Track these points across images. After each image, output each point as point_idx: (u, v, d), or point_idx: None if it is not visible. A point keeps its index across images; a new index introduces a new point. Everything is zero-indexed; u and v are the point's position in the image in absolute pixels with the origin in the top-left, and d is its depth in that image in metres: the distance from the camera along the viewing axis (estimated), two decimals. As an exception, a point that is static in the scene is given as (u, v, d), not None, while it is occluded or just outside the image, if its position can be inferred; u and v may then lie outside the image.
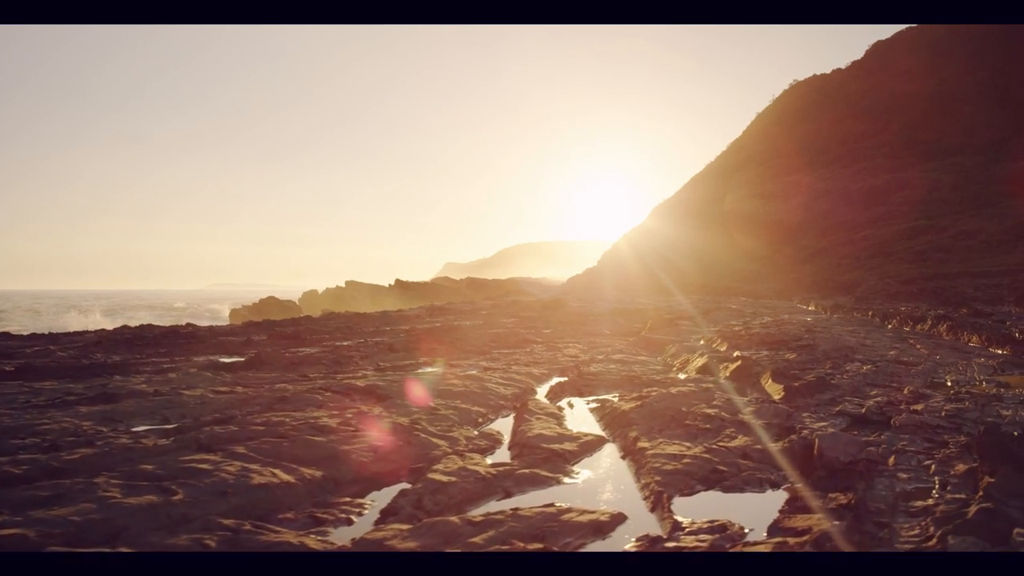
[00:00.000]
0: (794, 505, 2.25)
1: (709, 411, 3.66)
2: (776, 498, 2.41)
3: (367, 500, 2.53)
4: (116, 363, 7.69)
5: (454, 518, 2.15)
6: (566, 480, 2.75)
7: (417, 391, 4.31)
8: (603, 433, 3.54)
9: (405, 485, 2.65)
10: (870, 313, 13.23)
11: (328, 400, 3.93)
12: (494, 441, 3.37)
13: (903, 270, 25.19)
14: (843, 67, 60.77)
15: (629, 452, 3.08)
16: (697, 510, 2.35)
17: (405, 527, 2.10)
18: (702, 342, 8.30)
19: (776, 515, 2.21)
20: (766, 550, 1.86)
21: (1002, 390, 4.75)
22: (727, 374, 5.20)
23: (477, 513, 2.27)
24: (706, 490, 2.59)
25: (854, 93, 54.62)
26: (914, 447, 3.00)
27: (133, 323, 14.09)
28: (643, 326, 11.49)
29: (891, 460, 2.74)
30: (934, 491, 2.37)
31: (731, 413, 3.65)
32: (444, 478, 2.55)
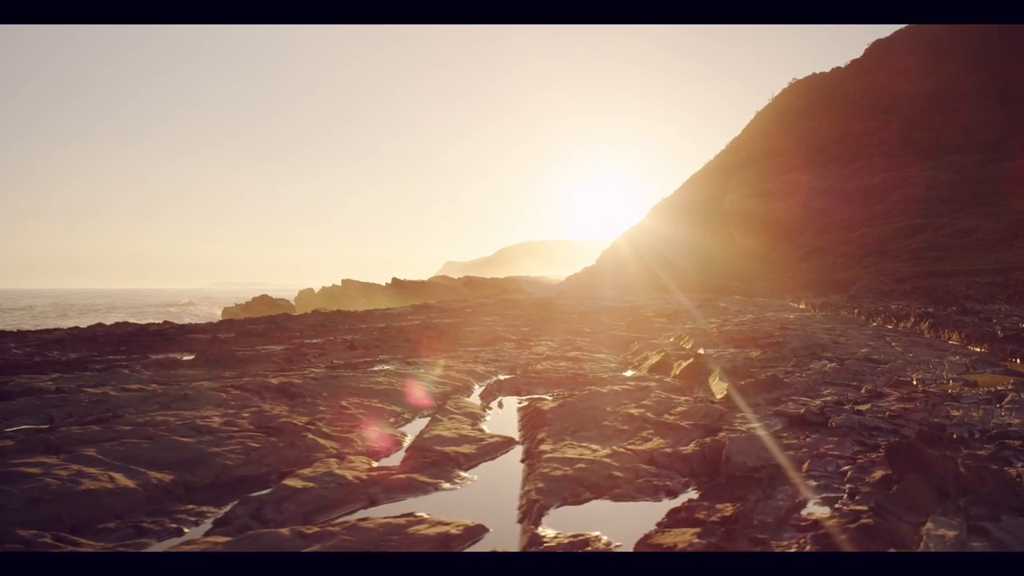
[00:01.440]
0: (675, 517, 1.99)
1: (634, 411, 3.39)
2: (662, 508, 2.15)
3: (215, 508, 2.27)
4: (71, 360, 7.48)
5: (284, 530, 1.89)
6: (446, 486, 2.49)
7: (335, 389, 4.05)
8: (515, 434, 3.28)
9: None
10: (855, 311, 13.01)
11: (232, 399, 3.68)
12: (393, 443, 3.11)
13: (898, 268, 24.89)
14: (842, 66, 60.30)
15: (529, 455, 2.82)
16: (571, 522, 2.09)
17: (223, 540, 1.84)
18: (671, 339, 8.04)
19: (652, 528, 1.95)
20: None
21: (966, 389, 4.49)
22: (677, 372, 4.93)
23: (321, 523, 2.01)
24: (595, 498, 2.33)
25: (853, 92, 54.20)
26: (840, 450, 2.73)
27: (116, 322, 13.92)
28: (623, 323, 11.26)
29: (805, 465, 2.47)
30: (839, 501, 2.11)
31: (657, 413, 3.38)
32: (300, 484, 2.29)
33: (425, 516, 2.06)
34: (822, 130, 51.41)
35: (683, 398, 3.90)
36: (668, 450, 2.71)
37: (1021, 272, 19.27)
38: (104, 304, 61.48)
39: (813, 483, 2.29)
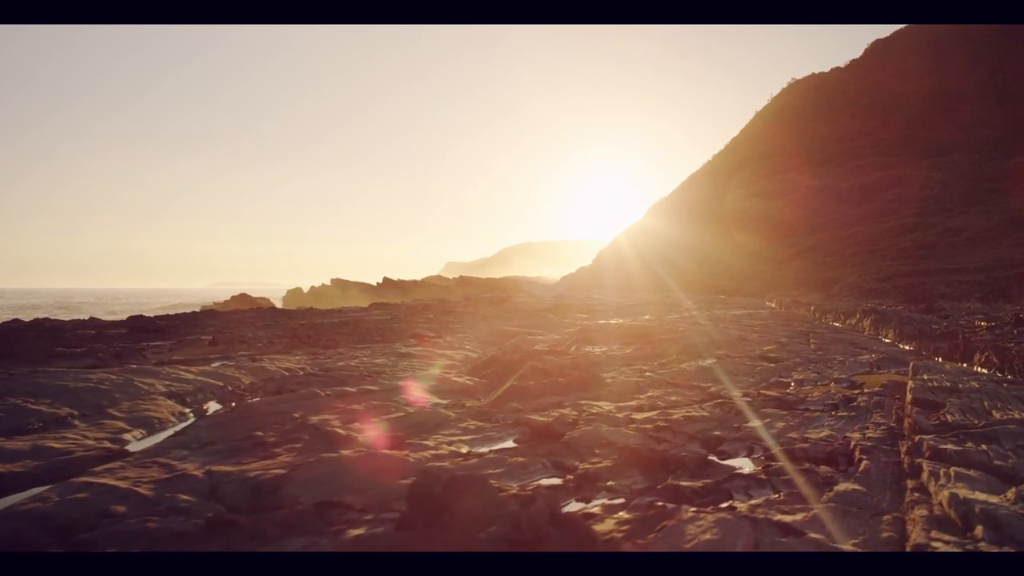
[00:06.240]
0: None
1: (315, 419, 2.61)
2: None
3: None
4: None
5: None
6: None
7: (35, 387, 3.31)
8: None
9: None
10: (812, 308, 12.38)
11: None
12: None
13: (884, 267, 23.99)
14: (842, 66, 58.99)
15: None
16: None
17: None
18: (561, 335, 7.27)
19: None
20: None
21: (834, 390, 3.73)
22: (490, 371, 4.16)
23: None
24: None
25: (853, 92, 53.04)
26: (525, 474, 1.95)
27: (36, 318, 13.40)
28: (561, 320, 10.57)
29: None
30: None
31: (346, 422, 2.60)
32: None
33: None
34: (821, 130, 50.33)
35: (436, 400, 3.12)
36: (282, 470, 1.93)
37: (1004, 270, 18.31)
38: (76, 303, 60.48)
39: (357, 531, 1.51)
